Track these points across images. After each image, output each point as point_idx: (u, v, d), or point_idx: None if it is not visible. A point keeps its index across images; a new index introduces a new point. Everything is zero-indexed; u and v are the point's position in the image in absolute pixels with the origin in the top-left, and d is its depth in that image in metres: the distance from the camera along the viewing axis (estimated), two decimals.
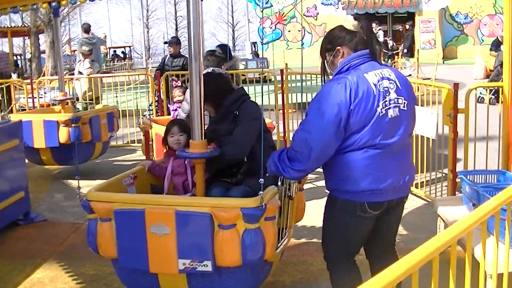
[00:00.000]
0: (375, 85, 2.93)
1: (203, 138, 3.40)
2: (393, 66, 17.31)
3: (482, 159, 6.19)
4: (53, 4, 6.10)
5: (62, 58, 8.59)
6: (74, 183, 7.60)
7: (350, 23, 3.10)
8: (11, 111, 10.51)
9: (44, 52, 24.93)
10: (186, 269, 3.20)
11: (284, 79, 8.62)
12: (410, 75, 17.72)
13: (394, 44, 22.35)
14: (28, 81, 11.39)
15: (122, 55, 41.21)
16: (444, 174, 6.49)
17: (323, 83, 3.13)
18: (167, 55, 10.80)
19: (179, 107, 6.13)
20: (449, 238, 2.05)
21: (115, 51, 41.90)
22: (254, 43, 32.70)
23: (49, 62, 21.68)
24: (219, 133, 3.87)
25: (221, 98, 3.92)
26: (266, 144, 3.85)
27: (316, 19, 32.15)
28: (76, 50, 19.48)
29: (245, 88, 4.64)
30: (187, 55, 10.16)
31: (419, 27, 29.52)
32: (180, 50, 10.68)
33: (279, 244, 3.48)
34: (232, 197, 3.55)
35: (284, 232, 3.64)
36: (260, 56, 26.99)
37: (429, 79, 15.40)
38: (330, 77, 3.15)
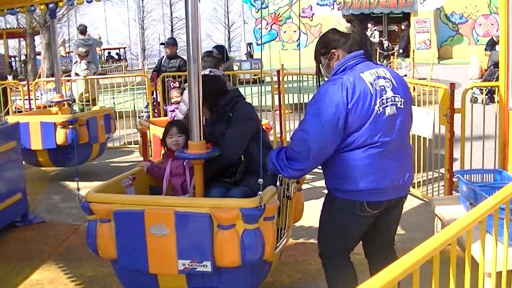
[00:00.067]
0: (371, 84, 2.96)
1: (201, 139, 3.41)
2: (388, 66, 17.34)
3: (479, 159, 6.22)
4: (51, 5, 6.10)
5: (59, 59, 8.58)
6: (71, 184, 7.60)
7: (342, 26, 3.13)
8: (8, 113, 10.51)
9: (39, 53, 24.87)
10: (186, 270, 3.21)
11: (280, 79, 8.63)
12: (405, 75, 17.72)
13: (390, 45, 22.39)
14: (24, 83, 11.37)
15: (116, 57, 41.15)
16: (440, 174, 6.51)
17: (318, 87, 3.16)
18: (163, 56, 10.78)
19: (177, 108, 6.14)
20: (450, 236, 2.06)
21: (109, 52, 41.82)
22: (249, 44, 32.71)
23: (45, 64, 21.62)
24: (214, 134, 3.88)
25: (215, 100, 3.93)
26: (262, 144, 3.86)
27: (311, 20, 32.16)
28: (70, 52, 19.48)
29: (242, 89, 4.65)
30: (183, 56, 10.20)
31: (414, 27, 29.58)
32: (177, 51, 10.68)
33: (278, 244, 3.49)
34: (232, 197, 3.56)
35: (282, 232, 3.65)
36: (258, 57, 26.96)
37: (425, 79, 15.44)
38: (326, 79, 3.18)
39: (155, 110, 9.70)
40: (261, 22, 32.15)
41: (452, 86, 5.66)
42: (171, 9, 53.65)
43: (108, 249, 3.38)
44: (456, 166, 5.90)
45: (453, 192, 5.71)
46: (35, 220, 6.05)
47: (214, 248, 3.14)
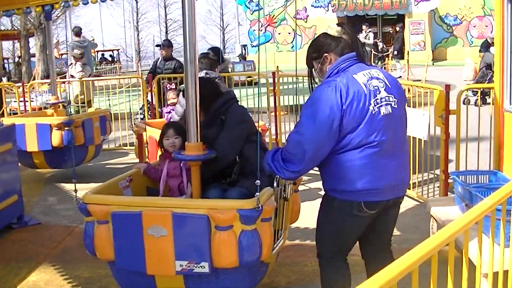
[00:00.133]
0: (365, 84, 2.99)
1: (198, 141, 3.42)
2: (383, 68, 17.39)
3: (474, 160, 6.25)
4: (46, 7, 6.10)
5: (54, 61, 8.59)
6: (67, 186, 7.59)
7: (333, 30, 3.16)
8: (3, 115, 10.48)
9: (33, 55, 24.80)
10: (183, 271, 3.22)
11: (276, 81, 8.64)
12: (400, 76, 17.75)
13: (384, 46, 22.42)
14: (19, 84, 11.35)
15: (110, 58, 41.03)
16: (436, 175, 6.53)
17: (311, 91, 3.18)
18: (159, 58, 10.78)
19: (173, 110, 6.14)
20: (447, 236, 2.08)
21: (103, 54, 41.70)
22: (244, 46, 32.73)
23: (39, 66, 21.55)
24: (207, 138, 3.88)
25: (209, 103, 3.93)
26: (256, 146, 3.86)
27: (306, 22, 32.19)
28: (64, 54, 19.42)
29: (236, 91, 4.66)
30: (178, 58, 10.18)
31: (409, 29, 29.63)
32: (172, 53, 10.68)
33: (275, 245, 3.50)
34: (230, 199, 3.57)
35: (279, 233, 3.66)
36: (252, 59, 26.94)
37: (419, 80, 15.48)
38: (319, 83, 3.20)
39: (149, 112, 9.70)
40: (258, 23, 32.17)
41: (447, 87, 5.68)
42: (165, 11, 53.66)
43: (106, 251, 3.39)
44: (451, 167, 5.93)
45: (449, 193, 5.73)
46: (31, 222, 6.04)
47: (211, 249, 3.16)
